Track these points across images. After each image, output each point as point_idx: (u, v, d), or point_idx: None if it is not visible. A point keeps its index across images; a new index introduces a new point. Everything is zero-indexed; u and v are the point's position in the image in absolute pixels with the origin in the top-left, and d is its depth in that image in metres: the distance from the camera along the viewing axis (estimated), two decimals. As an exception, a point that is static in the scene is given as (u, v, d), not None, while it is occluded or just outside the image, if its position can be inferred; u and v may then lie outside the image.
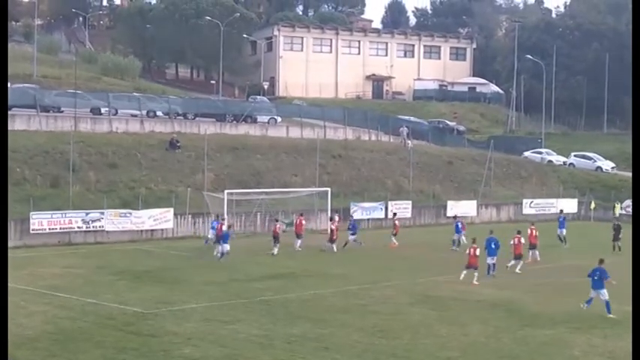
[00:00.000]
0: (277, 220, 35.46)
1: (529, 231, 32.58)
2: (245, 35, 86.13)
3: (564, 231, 38.10)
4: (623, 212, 50.63)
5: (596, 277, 22.18)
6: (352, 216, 41.48)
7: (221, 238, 31.33)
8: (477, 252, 26.97)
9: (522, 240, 29.96)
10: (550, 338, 19.09)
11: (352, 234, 35.78)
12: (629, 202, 52.96)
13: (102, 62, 76.60)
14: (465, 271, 26.96)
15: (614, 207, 51.14)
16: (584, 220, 51.65)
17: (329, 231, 35.36)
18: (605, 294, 22.03)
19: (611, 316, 21.70)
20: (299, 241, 34.98)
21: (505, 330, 19.87)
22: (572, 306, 23.05)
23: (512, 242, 29.66)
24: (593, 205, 52.91)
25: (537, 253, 32.45)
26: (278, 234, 33.42)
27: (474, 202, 51.08)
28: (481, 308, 22.62)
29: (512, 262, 29.58)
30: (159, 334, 18.58)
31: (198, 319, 20.40)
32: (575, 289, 25.98)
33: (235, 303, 22.61)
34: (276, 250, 32.98)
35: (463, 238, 36.23)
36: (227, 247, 30.98)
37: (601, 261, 22.73)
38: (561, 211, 43.63)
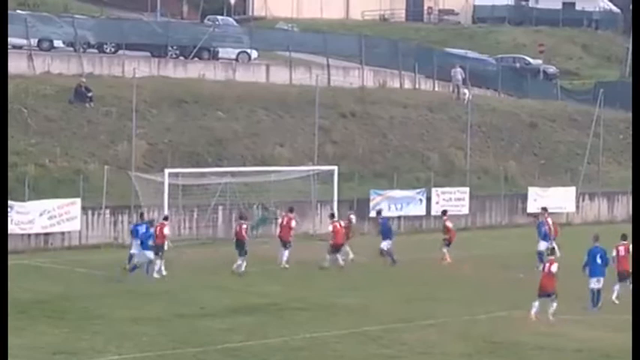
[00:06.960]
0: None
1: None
2: None
3: None
4: None
5: None
6: (380, 213, 41.44)
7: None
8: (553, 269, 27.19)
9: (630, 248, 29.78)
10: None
11: (386, 239, 36.57)
12: None
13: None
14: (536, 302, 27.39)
15: None
16: None
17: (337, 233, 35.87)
18: None
19: None
20: (286, 253, 35.40)
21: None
22: None
23: (614, 254, 29.95)
24: None
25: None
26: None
27: (572, 189, 51.16)
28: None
29: (617, 286, 29.86)
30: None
31: (120, 379, 20.54)
32: None
33: (182, 353, 22.62)
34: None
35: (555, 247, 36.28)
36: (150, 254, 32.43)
37: None
38: None
